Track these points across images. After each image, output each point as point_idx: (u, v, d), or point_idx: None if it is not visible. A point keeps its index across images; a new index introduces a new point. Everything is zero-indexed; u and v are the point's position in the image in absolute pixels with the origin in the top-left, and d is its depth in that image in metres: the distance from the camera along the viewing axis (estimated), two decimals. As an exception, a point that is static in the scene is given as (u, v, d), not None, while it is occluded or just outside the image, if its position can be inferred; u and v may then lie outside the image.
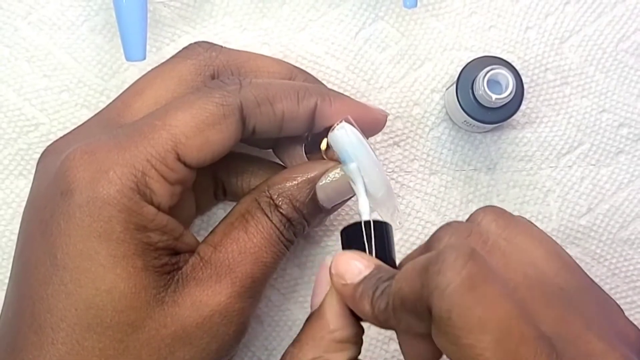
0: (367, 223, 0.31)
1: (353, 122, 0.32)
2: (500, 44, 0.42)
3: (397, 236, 0.40)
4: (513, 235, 0.30)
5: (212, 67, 0.35)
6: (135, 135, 0.31)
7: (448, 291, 0.25)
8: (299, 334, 0.31)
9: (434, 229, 0.40)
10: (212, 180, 0.37)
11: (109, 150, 0.31)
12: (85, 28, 0.40)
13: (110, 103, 0.35)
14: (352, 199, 0.34)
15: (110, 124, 0.34)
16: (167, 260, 0.31)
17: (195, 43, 0.36)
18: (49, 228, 0.30)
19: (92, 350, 0.30)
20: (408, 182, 0.41)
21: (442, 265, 0.25)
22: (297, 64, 0.41)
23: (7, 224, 0.39)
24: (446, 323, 0.25)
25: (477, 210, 0.31)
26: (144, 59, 0.37)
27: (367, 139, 0.33)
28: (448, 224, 0.31)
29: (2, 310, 0.32)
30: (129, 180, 0.30)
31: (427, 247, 0.31)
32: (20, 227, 0.33)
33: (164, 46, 0.41)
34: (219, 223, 0.34)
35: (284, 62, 0.37)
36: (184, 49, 0.36)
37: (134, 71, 0.40)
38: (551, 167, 0.41)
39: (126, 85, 0.40)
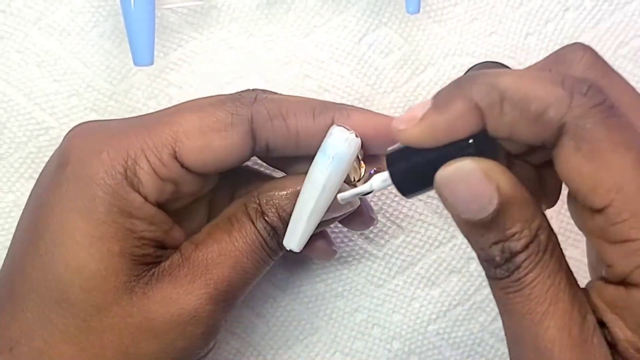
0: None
1: (357, 135, 0.31)
2: (501, 49, 0.42)
3: (399, 238, 0.41)
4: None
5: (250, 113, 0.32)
6: (139, 125, 0.31)
7: (599, 109, 0.25)
8: None
9: (437, 230, 0.41)
10: (229, 199, 0.37)
11: (111, 134, 0.31)
12: (94, 34, 0.41)
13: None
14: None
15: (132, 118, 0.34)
16: (152, 251, 0.31)
17: (248, 90, 0.34)
18: (40, 198, 0.31)
19: (56, 324, 0.30)
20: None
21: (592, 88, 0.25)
22: (302, 69, 0.42)
23: (18, 226, 0.40)
24: (590, 139, 0.24)
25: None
26: (152, 63, 0.38)
27: (360, 158, 0.32)
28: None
29: None
30: (119, 165, 0.30)
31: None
32: None
33: (171, 51, 0.42)
34: (207, 224, 0.34)
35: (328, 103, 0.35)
36: (237, 92, 0.34)
37: (142, 76, 0.41)
38: (551, 170, 0.42)
39: (134, 90, 0.41)
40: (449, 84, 0.27)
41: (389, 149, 0.29)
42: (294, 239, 0.32)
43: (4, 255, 0.39)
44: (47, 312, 0.30)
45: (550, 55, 0.29)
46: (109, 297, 0.30)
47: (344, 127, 0.31)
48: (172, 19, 0.42)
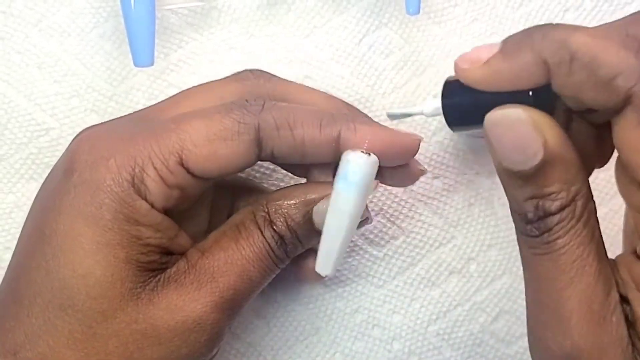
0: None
1: (373, 153, 0.31)
2: (501, 50, 0.42)
3: (399, 239, 0.41)
4: None
5: (256, 93, 0.34)
6: (146, 131, 0.31)
7: None
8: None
9: (437, 231, 0.41)
10: (229, 206, 0.37)
11: (118, 139, 0.31)
12: (95, 35, 0.41)
13: (149, 106, 0.36)
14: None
15: (139, 121, 0.34)
16: (157, 258, 0.31)
17: (247, 70, 0.35)
18: (47, 203, 0.31)
19: (61, 330, 0.30)
20: (411, 186, 0.41)
21: None
22: (302, 70, 0.42)
23: (19, 227, 0.40)
24: None
25: None
26: (152, 64, 0.38)
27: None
28: None
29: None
30: (126, 172, 0.30)
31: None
32: None
33: (171, 52, 0.42)
34: (214, 231, 0.34)
35: (334, 97, 0.36)
36: (235, 73, 0.35)
37: (143, 77, 0.41)
38: (551, 171, 0.42)
39: (135, 91, 0.41)
40: (519, 32, 0.27)
41: (448, 77, 0.29)
42: (329, 266, 0.32)
43: (5, 256, 0.39)
44: (52, 318, 0.30)
45: (630, 15, 0.28)
46: (115, 304, 0.30)
47: (360, 151, 0.31)
48: (173, 19, 0.42)
